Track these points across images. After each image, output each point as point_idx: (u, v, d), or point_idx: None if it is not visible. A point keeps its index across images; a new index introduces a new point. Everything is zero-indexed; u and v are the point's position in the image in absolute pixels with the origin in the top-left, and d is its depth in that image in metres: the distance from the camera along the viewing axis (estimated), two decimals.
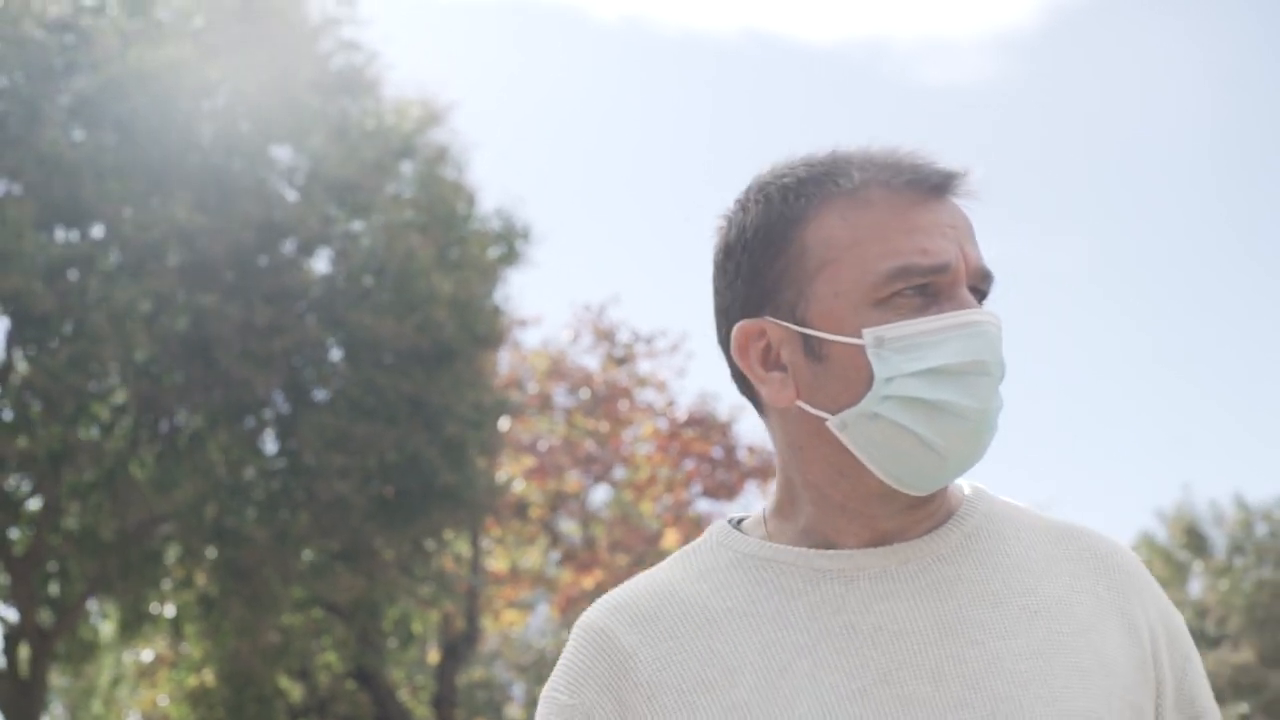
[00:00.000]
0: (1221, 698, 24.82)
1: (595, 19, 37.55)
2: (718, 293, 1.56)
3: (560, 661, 1.58)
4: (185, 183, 12.15)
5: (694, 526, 17.23)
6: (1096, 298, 41.22)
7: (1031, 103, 39.06)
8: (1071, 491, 45.66)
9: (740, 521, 1.63)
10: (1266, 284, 40.59)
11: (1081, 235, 40.22)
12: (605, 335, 17.58)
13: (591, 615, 1.57)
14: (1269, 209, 40.60)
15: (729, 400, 18.88)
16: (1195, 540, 27.68)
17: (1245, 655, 25.51)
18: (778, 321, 1.51)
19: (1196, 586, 27.75)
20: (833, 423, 1.48)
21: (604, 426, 16.93)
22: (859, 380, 1.47)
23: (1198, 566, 27.52)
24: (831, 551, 1.52)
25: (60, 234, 11.79)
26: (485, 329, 13.30)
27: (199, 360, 12.23)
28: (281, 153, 13.11)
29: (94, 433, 12.23)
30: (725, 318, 1.55)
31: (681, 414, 17.55)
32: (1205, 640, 26.58)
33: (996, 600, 1.52)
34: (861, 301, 1.47)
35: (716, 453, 17.76)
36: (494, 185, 35.05)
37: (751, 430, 19.87)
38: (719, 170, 39.46)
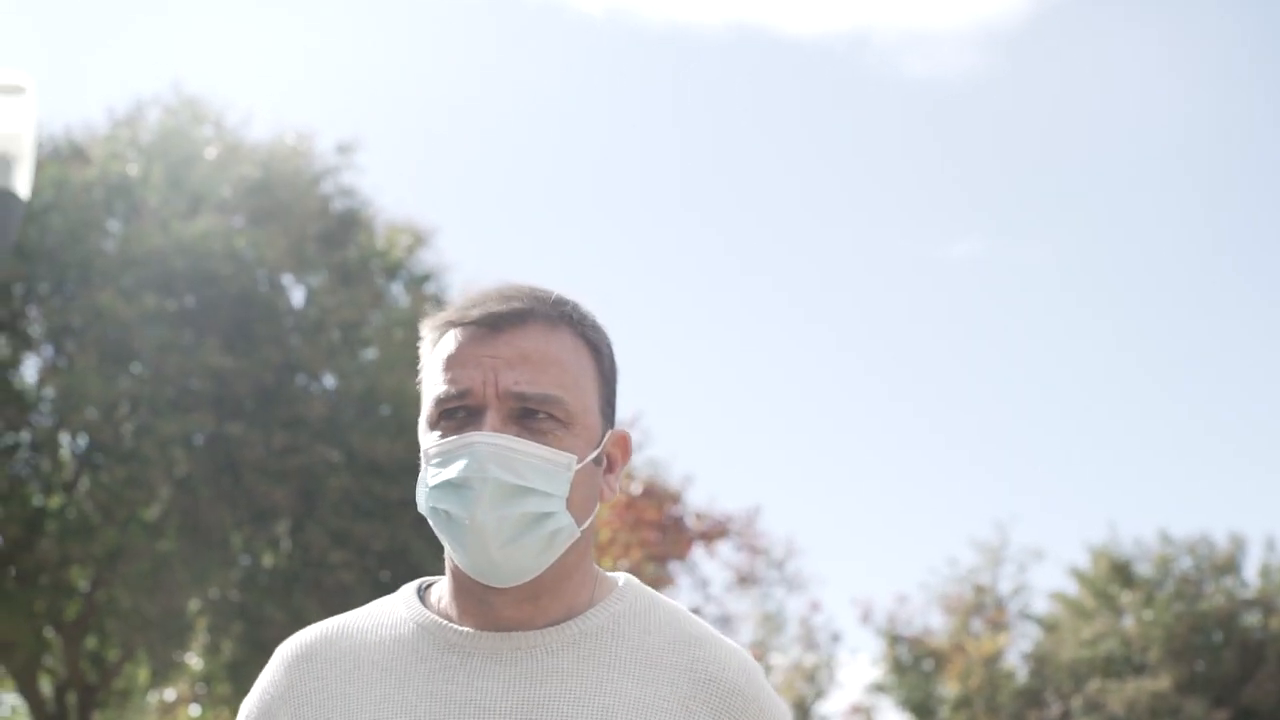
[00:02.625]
0: None
1: (579, 12, 37.83)
2: None
3: (258, 678, 1.88)
4: (215, 331, 15.22)
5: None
6: (1063, 302, 41.16)
7: (1015, 96, 38.95)
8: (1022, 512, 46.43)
9: (430, 585, 1.90)
10: (1239, 310, 40.59)
11: (1051, 236, 40.22)
12: None
13: (283, 644, 1.89)
14: (1246, 216, 40.72)
15: (680, 470, 21.86)
16: (1121, 573, 30.53)
17: (1163, 683, 28.42)
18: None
19: (1129, 618, 30.39)
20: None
21: None
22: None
23: (1125, 597, 30.29)
24: (463, 629, 1.80)
25: (114, 376, 14.80)
26: None
27: (227, 476, 15.29)
28: (295, 296, 16.12)
29: (142, 535, 15.24)
30: None
31: (638, 488, 20.52)
32: (1130, 668, 29.52)
33: (579, 696, 1.75)
34: (428, 420, 1.80)
35: (669, 518, 20.73)
36: (470, 189, 36.56)
37: (699, 497, 22.81)
38: (698, 167, 39.99)
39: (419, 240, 18.19)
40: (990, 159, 39.17)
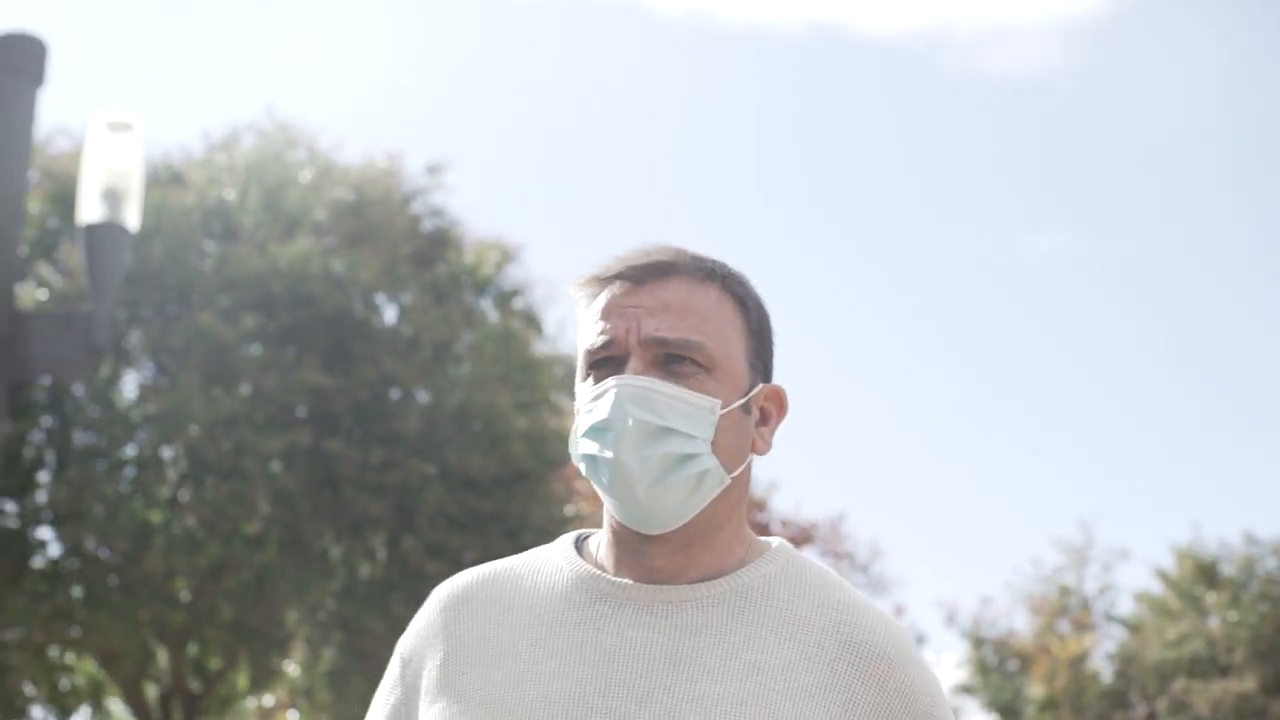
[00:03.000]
0: None
1: (657, 14, 37.98)
2: None
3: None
4: (312, 350, 15.72)
5: None
6: (1147, 296, 40.98)
7: (1096, 91, 38.64)
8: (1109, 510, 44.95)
9: (588, 537, 1.98)
10: None
11: (1135, 230, 39.91)
12: None
13: (439, 586, 1.97)
14: None
15: (764, 479, 22.22)
16: (1206, 574, 30.63)
17: (1249, 684, 28.52)
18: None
19: (1214, 619, 30.48)
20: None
21: None
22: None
23: (1210, 598, 30.40)
24: (615, 579, 1.87)
25: (215, 394, 15.33)
26: (553, 454, 16.74)
27: (326, 490, 15.79)
28: (388, 314, 16.60)
29: (244, 548, 15.75)
30: None
31: None
32: (1216, 669, 29.61)
33: (727, 650, 1.82)
34: (580, 370, 1.90)
35: (755, 525, 21.08)
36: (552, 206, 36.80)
37: (783, 503, 23.11)
38: (778, 168, 39.99)
39: (506, 256, 18.64)
40: (1072, 154, 38.73)
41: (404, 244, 16.58)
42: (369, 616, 16.17)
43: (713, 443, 1.82)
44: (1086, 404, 41.75)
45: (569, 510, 18.52)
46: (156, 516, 15.93)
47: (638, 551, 1.86)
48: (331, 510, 15.85)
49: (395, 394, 15.95)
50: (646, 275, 1.85)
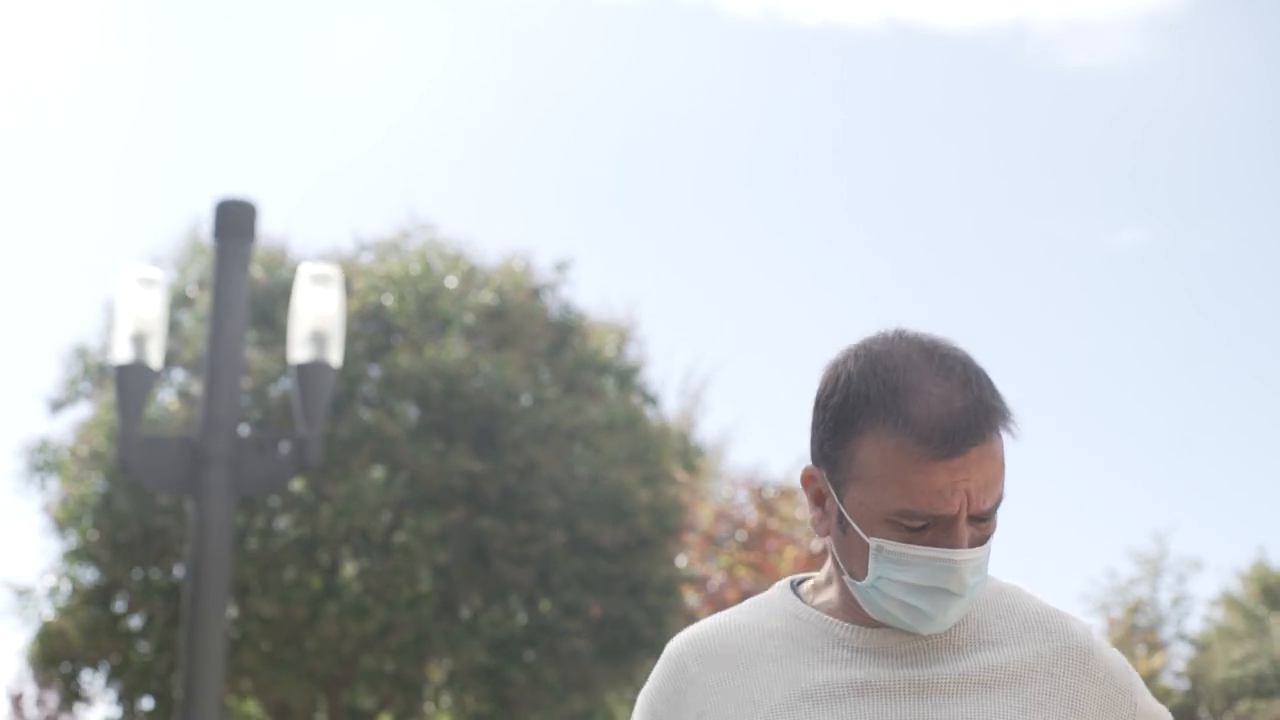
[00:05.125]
0: None
1: (731, 13, 38.00)
2: (812, 419, 2.01)
3: (650, 676, 2.11)
4: (464, 440, 18.32)
5: None
6: (1232, 292, 40.54)
7: (1179, 83, 38.47)
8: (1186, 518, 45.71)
9: (800, 583, 2.12)
10: None
11: (1221, 225, 39.78)
12: (756, 491, 23.50)
13: (673, 643, 2.12)
14: None
15: None
16: (1271, 596, 32.78)
17: None
18: (827, 481, 2.00)
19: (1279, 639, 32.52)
20: (848, 581, 2.00)
21: (756, 559, 22.76)
22: (863, 566, 1.97)
23: (1274, 619, 32.52)
24: (848, 624, 2.03)
25: (384, 481, 17.92)
26: (672, 523, 19.27)
27: (477, 562, 18.40)
28: (525, 400, 19.15)
29: (406, 613, 18.35)
30: (810, 442, 2.01)
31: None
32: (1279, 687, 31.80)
33: (963, 673, 1.99)
34: (878, 516, 1.94)
35: None
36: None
37: None
38: (860, 163, 39.97)
39: (624, 337, 21.15)
40: (1155, 147, 38.76)
41: (539, 339, 19.12)
42: (511, 669, 18.74)
43: None
44: (1167, 406, 42.11)
45: (680, 561, 21.00)
46: (316, 583, 18.52)
47: None
48: (482, 579, 18.46)
49: (537, 477, 18.48)
50: (976, 446, 1.92)
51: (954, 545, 1.93)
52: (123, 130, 35.75)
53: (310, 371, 9.93)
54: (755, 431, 35.97)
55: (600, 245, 38.16)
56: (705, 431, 22.42)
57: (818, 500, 2.03)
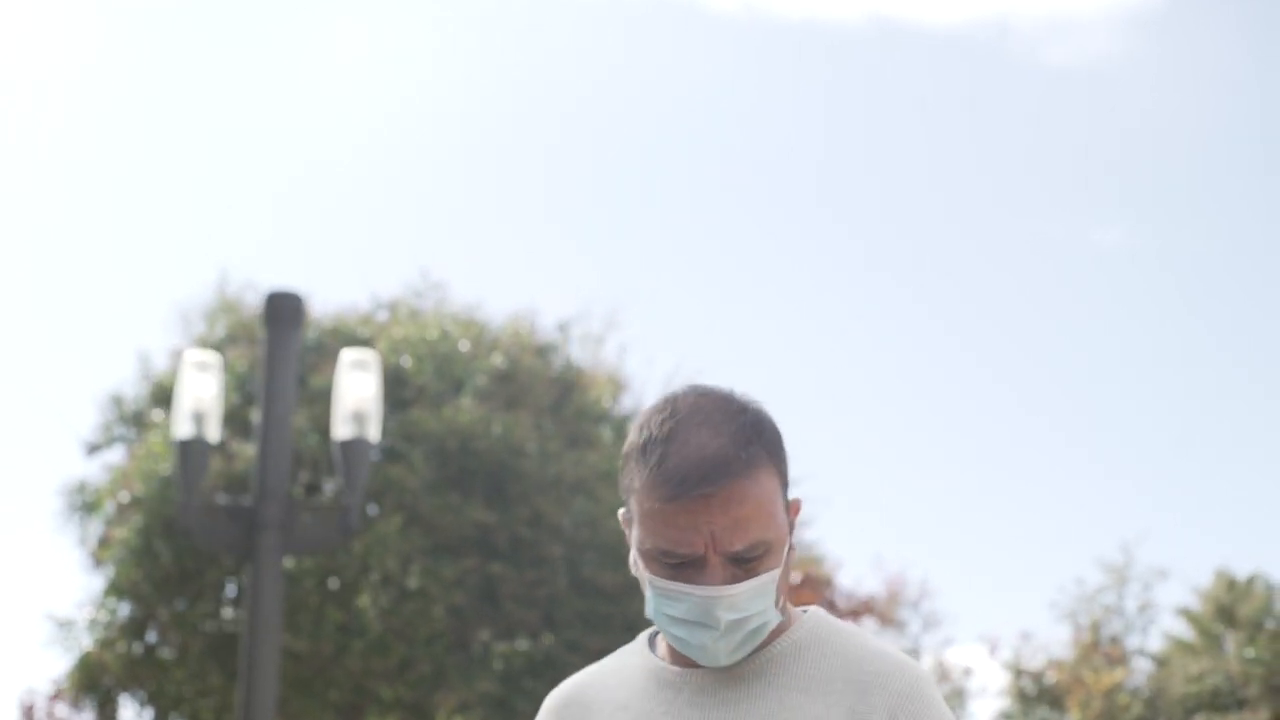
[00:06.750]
0: None
1: (714, 10, 38.26)
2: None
3: None
4: (476, 493, 20.41)
5: None
6: (1202, 296, 40.71)
7: (1159, 81, 38.82)
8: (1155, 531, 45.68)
9: (658, 633, 2.30)
10: None
11: (1200, 224, 40.10)
12: None
13: (549, 697, 2.39)
14: None
15: (831, 558, 26.78)
16: (1226, 614, 34.92)
17: (1262, 716, 32.86)
18: (627, 523, 2.17)
19: (1232, 656, 34.53)
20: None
21: None
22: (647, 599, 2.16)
23: (1229, 637, 34.66)
24: (675, 668, 2.20)
25: (406, 532, 19.99)
26: None
27: (488, 604, 20.49)
28: (530, 451, 21.19)
29: (424, 651, 20.42)
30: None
31: (797, 577, 25.41)
32: (1234, 702, 33.93)
33: (766, 713, 2.11)
34: (648, 554, 2.11)
35: (823, 602, 25.65)
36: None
37: (846, 581, 27.59)
38: (843, 160, 40.25)
39: (619, 387, 23.21)
40: (1137, 145, 39.24)
41: (544, 395, 21.21)
42: (516, 698, 20.85)
43: (774, 598, 2.13)
44: (1142, 412, 42.49)
45: None
46: (335, 616, 20.57)
47: None
48: (492, 618, 20.55)
49: (544, 527, 20.57)
50: (711, 490, 2.04)
51: (705, 583, 2.06)
52: (147, 179, 37.12)
53: (352, 448, 11.12)
54: None
55: (582, 247, 38.71)
56: None
57: (631, 538, 2.17)
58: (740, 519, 2.05)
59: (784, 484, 2.15)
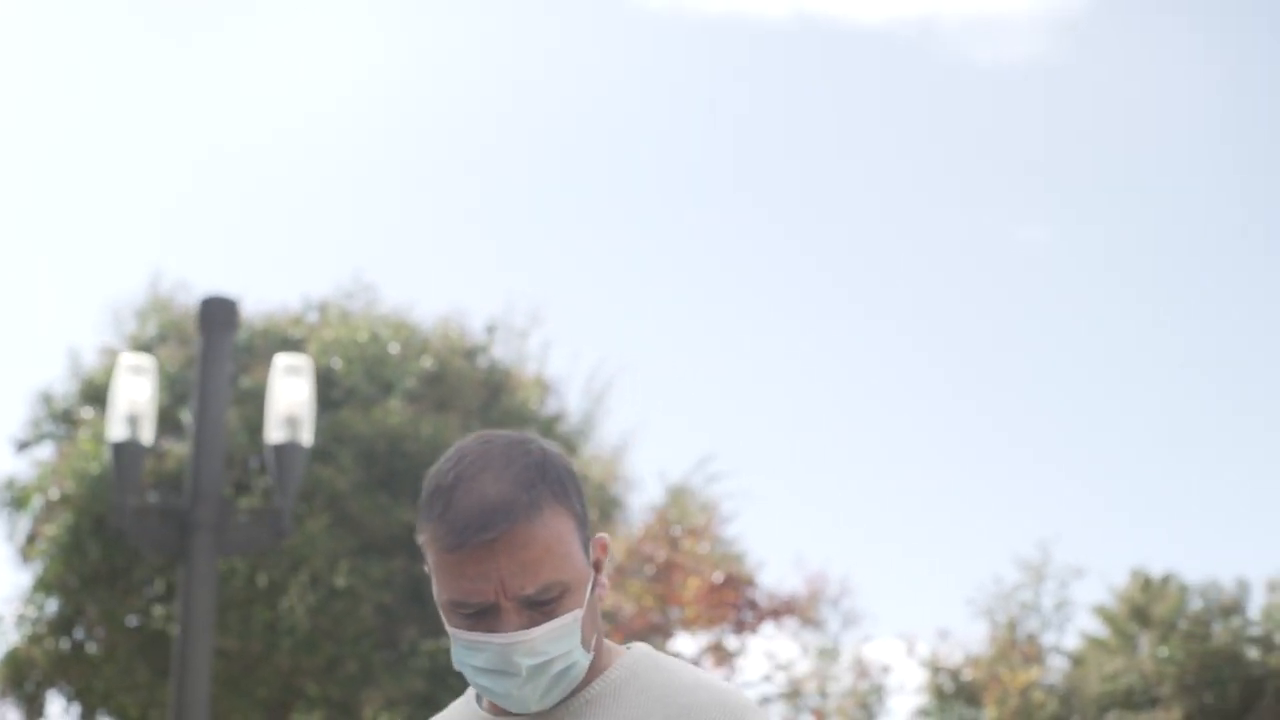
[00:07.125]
0: None
1: (635, 4, 38.04)
2: None
3: None
4: (405, 494, 20.76)
5: (725, 654, 25.59)
6: (1125, 293, 40.53)
7: (1082, 81, 38.95)
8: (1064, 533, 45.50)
9: None
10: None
11: (1118, 222, 39.86)
12: (663, 528, 26.09)
13: None
14: None
15: (753, 557, 27.22)
16: (1140, 615, 35.71)
17: (1175, 715, 33.67)
18: (429, 574, 2.11)
19: (1146, 655, 35.32)
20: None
21: (663, 591, 25.27)
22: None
23: (1143, 636, 35.45)
24: (494, 717, 2.18)
25: (335, 533, 20.31)
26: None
27: (416, 604, 20.85)
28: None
29: (353, 649, 20.76)
30: None
31: (720, 576, 25.84)
32: (1148, 700, 34.73)
33: None
34: (444, 605, 2.10)
35: (745, 600, 26.07)
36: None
37: (768, 581, 28.05)
38: (766, 156, 39.90)
39: (546, 389, 23.61)
40: (1059, 144, 39.54)
41: (473, 398, 21.59)
42: (443, 696, 21.22)
43: (580, 638, 2.10)
44: (1058, 409, 42.16)
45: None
46: (264, 614, 20.90)
47: None
48: (420, 619, 20.91)
49: None
50: (493, 536, 2.01)
51: (501, 630, 2.04)
52: (78, 177, 37.12)
53: (285, 452, 11.19)
54: (658, 433, 36.90)
55: (509, 246, 38.17)
56: (607, 433, 24.89)
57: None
58: (527, 562, 2.02)
59: (581, 523, 2.12)
